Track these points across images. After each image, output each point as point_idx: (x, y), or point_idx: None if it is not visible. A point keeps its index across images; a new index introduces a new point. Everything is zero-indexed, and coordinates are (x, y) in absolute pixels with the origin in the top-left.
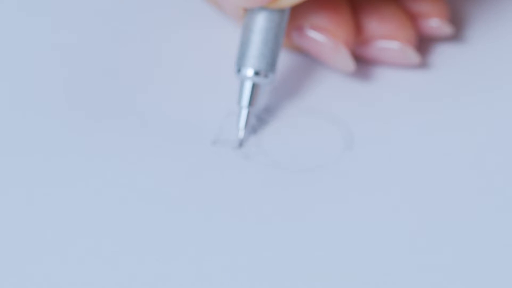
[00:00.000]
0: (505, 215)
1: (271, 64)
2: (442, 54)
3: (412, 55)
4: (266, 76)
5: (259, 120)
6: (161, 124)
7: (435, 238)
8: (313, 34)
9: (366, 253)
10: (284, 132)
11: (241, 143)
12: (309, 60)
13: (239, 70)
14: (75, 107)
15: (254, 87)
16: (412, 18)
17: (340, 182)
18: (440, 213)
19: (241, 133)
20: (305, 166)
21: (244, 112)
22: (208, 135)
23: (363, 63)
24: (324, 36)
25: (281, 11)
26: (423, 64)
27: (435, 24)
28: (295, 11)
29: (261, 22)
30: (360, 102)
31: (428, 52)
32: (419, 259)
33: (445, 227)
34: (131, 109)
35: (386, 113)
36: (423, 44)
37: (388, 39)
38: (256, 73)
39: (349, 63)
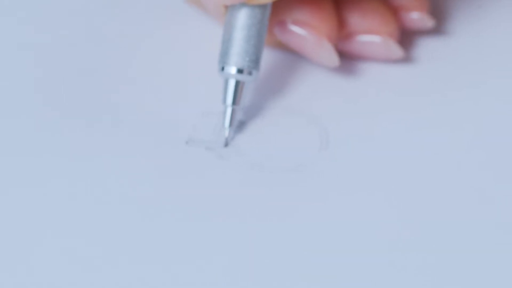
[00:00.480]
0: (492, 212)
1: (254, 61)
2: (425, 48)
3: (395, 49)
4: (250, 73)
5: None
6: (137, 123)
7: (420, 237)
8: (295, 29)
9: (351, 252)
10: (262, 132)
11: (227, 143)
12: (290, 57)
13: (222, 69)
14: (51, 106)
15: (238, 85)
16: (394, 12)
17: (322, 181)
18: (427, 212)
19: (227, 132)
20: (283, 166)
21: (229, 111)
22: (184, 134)
23: (346, 58)
24: (307, 30)
25: (262, 7)
26: (407, 58)
27: (416, 16)
28: (277, 6)
29: (242, 19)
30: (344, 99)
31: (410, 46)
32: (404, 257)
33: (432, 225)
34: (107, 108)
35: (370, 110)
36: (406, 38)
37: (370, 33)
38: (240, 71)
39: (333, 58)
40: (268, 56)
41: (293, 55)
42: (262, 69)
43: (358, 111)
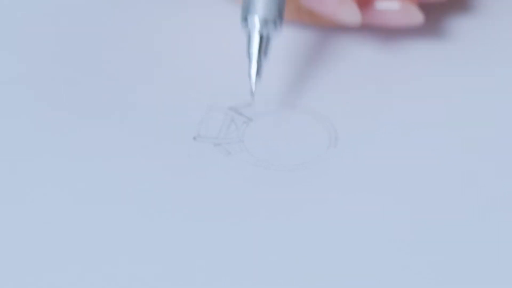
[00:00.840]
0: (496, 214)
1: (278, 11)
2: (452, 25)
3: (415, 14)
4: (275, 23)
5: (242, 115)
6: (144, 120)
7: (431, 236)
8: None
9: (359, 250)
10: (270, 129)
11: (252, 94)
12: (300, 54)
13: (245, 19)
14: (53, 106)
15: (263, 38)
16: None
17: (330, 179)
18: (439, 211)
19: (253, 83)
20: (291, 164)
21: (255, 61)
22: (191, 130)
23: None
24: None
25: None
26: (432, 34)
27: None
28: None
29: None
30: (355, 95)
31: (438, 23)
32: (412, 257)
33: (443, 224)
34: (112, 105)
35: (381, 108)
36: (432, 15)
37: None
38: (264, 22)
39: (355, 14)
40: (276, 53)
41: (302, 50)
42: (270, 66)
43: (368, 108)
